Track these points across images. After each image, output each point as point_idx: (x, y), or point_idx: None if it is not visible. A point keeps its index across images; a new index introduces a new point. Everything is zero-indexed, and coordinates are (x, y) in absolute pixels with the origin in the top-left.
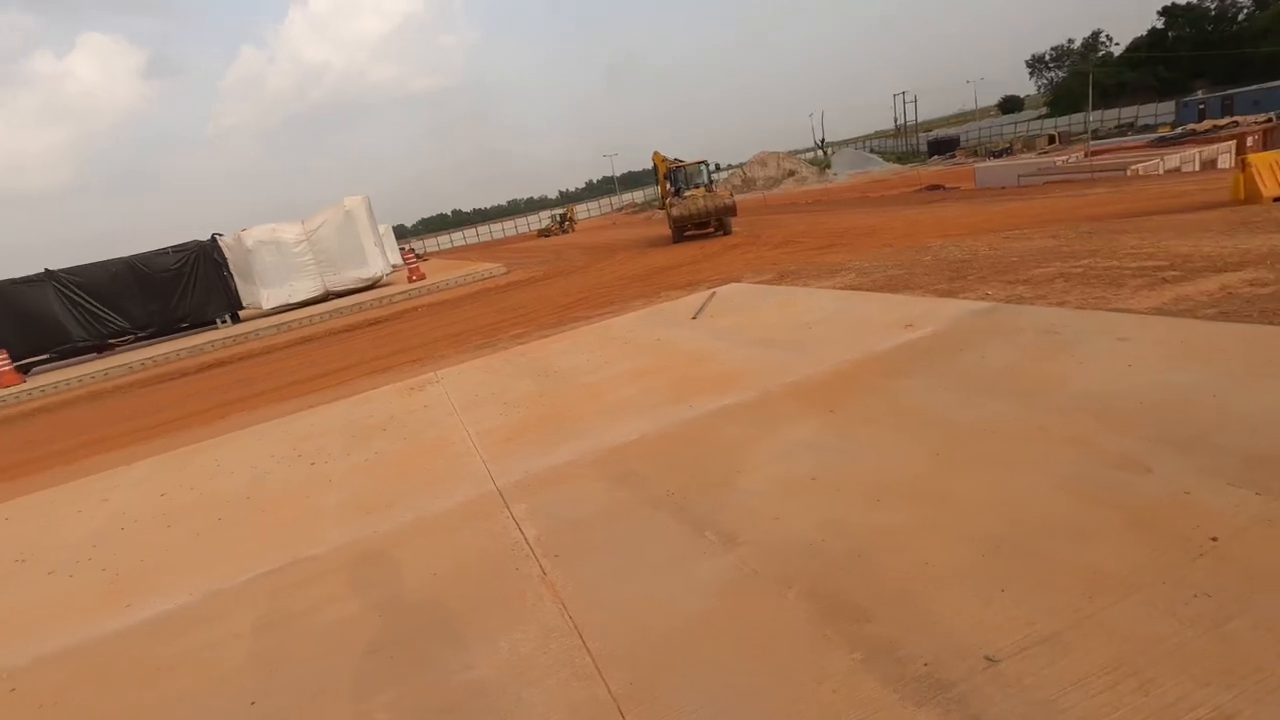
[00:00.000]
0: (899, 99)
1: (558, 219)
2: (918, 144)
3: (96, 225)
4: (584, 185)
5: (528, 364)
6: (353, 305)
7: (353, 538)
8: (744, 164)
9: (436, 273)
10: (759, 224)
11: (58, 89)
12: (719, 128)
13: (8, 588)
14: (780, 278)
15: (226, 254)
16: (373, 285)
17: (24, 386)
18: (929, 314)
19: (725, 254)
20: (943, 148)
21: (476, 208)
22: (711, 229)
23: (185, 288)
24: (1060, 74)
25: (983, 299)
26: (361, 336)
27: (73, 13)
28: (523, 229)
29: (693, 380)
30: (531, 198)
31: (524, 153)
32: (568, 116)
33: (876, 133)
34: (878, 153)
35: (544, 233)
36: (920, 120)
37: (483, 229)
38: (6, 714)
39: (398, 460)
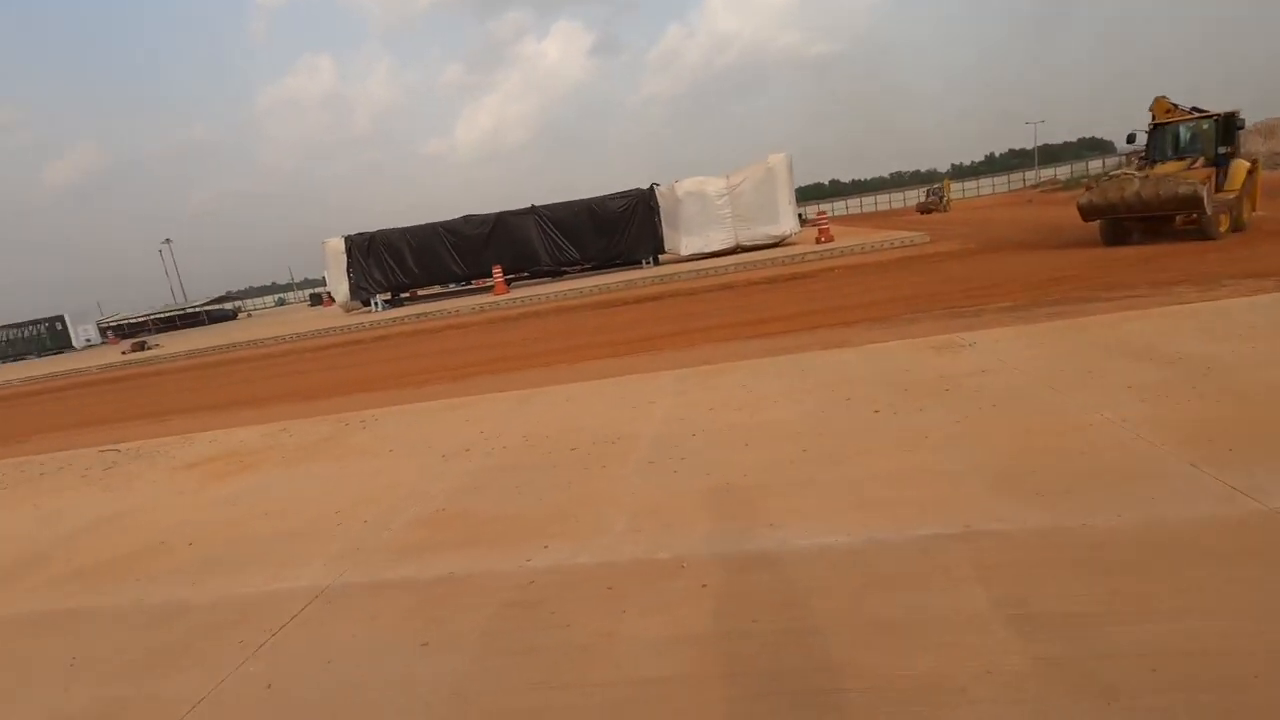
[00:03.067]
0: None
1: (935, 193)
2: None
3: (543, 175)
4: (982, 158)
5: (1105, 342)
6: (764, 260)
7: (1047, 522)
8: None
9: (839, 238)
10: None
11: (533, 67)
12: (1191, 87)
13: (629, 470)
14: None
15: (660, 202)
16: (779, 243)
17: (509, 296)
18: None
19: (1263, 242)
20: None
21: (855, 178)
22: (1188, 222)
23: (625, 229)
24: None
25: None
26: (783, 290)
27: (553, 4)
28: (902, 203)
29: None
30: (918, 170)
31: (914, 121)
32: (970, 81)
33: None
34: None
35: (925, 208)
36: None
37: (865, 200)
38: (700, 610)
39: (1015, 433)
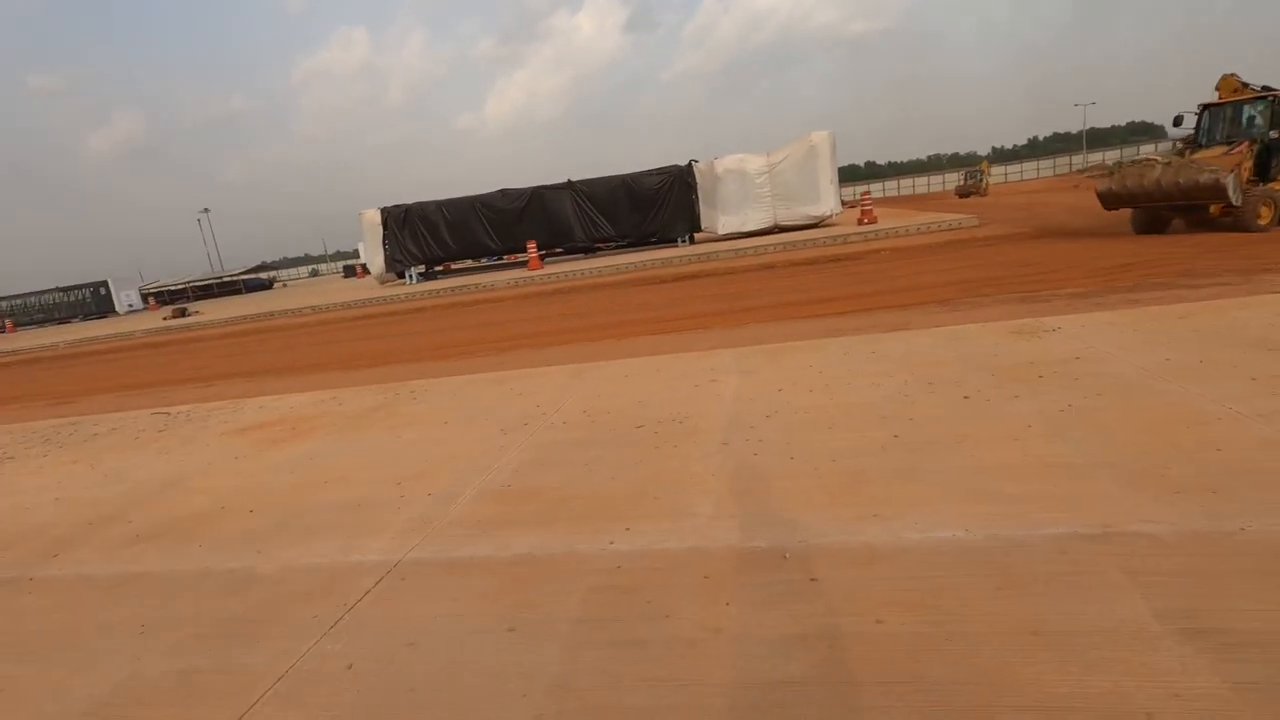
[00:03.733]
0: None
1: (975, 176)
2: None
3: (572, 152)
4: (1025, 142)
5: (1210, 330)
6: (804, 240)
7: (1200, 525)
8: None
9: (882, 219)
10: None
11: (567, 41)
12: (1264, 66)
13: (704, 451)
14: None
15: (698, 179)
16: (819, 224)
17: (544, 271)
18: None
19: None
20: None
21: (891, 160)
22: (1224, 212)
23: (661, 206)
24: None
25: None
26: (829, 272)
27: None
28: (941, 186)
29: None
30: (956, 153)
31: (954, 103)
32: (1013, 62)
33: None
34: None
35: (963, 191)
36: None
37: (903, 183)
38: (814, 607)
39: (1132, 425)
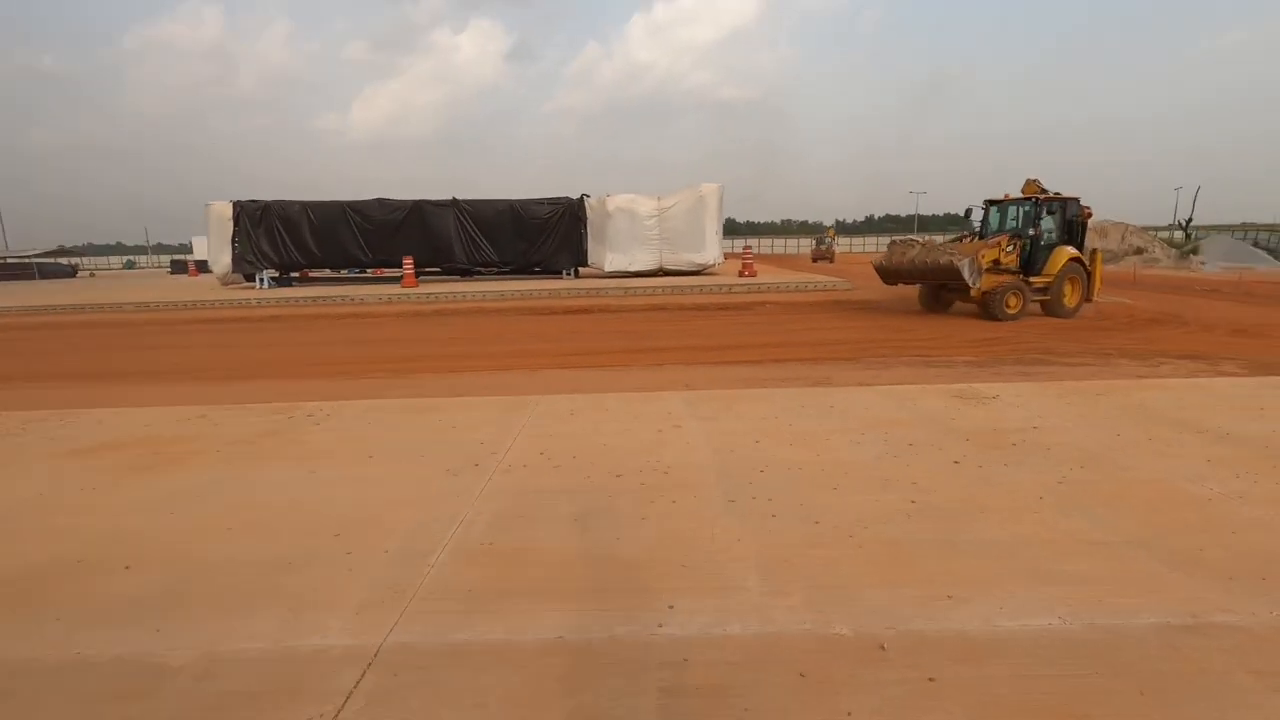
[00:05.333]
0: None
1: (825, 243)
2: None
3: (442, 171)
4: (864, 219)
5: (1132, 408)
6: (691, 286)
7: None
8: None
9: (760, 275)
10: (1158, 304)
11: (445, 59)
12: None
13: (711, 508)
14: None
15: (589, 214)
16: (701, 271)
17: (420, 290)
18: None
19: (1149, 328)
20: None
21: (749, 220)
22: (978, 296)
23: (549, 236)
24: None
25: None
26: (723, 319)
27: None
28: (796, 249)
29: None
30: (805, 221)
31: (804, 175)
32: (858, 145)
33: (1245, 224)
34: (1262, 248)
35: (817, 256)
36: None
37: (762, 242)
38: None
39: (1133, 503)
